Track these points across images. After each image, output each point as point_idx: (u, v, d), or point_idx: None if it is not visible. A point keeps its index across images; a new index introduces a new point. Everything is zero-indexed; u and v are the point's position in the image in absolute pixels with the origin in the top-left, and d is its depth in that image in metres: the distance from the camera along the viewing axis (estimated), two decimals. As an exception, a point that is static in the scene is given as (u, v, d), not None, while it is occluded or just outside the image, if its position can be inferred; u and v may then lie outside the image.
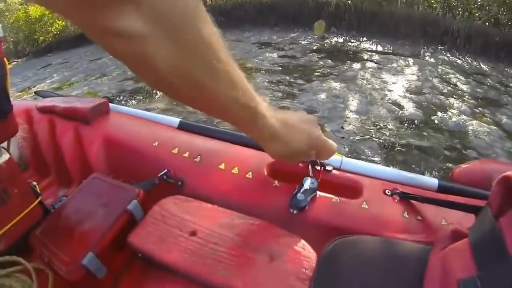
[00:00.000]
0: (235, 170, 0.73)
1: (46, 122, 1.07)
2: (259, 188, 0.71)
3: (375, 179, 0.71)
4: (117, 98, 4.26)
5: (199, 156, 0.78)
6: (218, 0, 8.93)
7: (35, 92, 1.34)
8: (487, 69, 5.41)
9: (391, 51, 5.80)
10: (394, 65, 5.05)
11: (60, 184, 1.03)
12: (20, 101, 1.32)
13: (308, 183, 0.66)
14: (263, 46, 5.86)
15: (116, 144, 0.91)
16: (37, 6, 20.93)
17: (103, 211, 0.67)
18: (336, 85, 4.08)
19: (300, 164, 0.72)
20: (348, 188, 0.69)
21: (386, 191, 0.66)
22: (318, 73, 4.49)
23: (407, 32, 6.20)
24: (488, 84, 4.82)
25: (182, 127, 0.90)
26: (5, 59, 0.64)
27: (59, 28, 19.90)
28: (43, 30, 20.59)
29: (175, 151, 0.81)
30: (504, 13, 6.63)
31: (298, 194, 0.64)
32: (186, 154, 0.79)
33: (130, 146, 0.88)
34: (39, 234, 0.64)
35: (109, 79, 5.57)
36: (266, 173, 0.72)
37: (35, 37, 21.56)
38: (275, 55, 5.22)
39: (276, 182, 0.70)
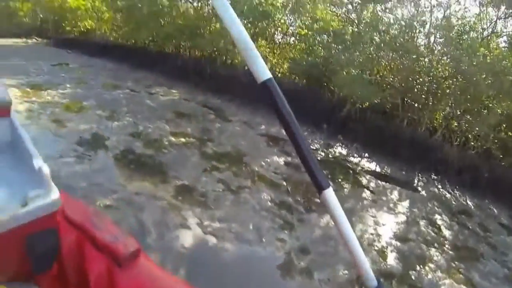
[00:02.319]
0: None
1: (74, 238, 1.12)
2: None
3: None
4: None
5: None
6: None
7: None
8: (473, 207, 5.88)
9: (388, 174, 6.29)
10: (389, 197, 5.52)
11: None
12: None
13: None
14: (271, 142, 6.23)
15: None
16: None
17: None
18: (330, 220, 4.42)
19: None
20: None
21: None
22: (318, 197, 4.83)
23: (406, 155, 6.74)
24: (470, 227, 5.26)
25: None
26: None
27: (87, 27, 20.99)
28: (72, 21, 21.69)
29: None
30: (497, 145, 7.23)
31: None
32: None
33: None
34: None
35: (119, 127, 5.83)
36: None
37: (63, 24, 22.63)
38: (281, 160, 5.50)
39: None
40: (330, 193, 0.64)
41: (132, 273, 0.94)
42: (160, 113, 6.76)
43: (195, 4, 13.73)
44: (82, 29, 20.93)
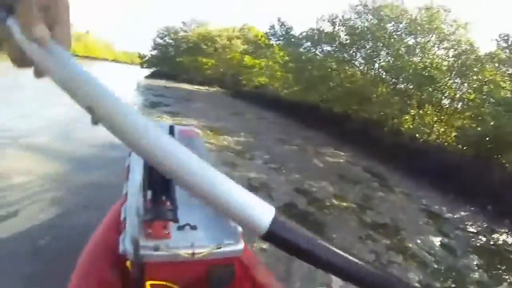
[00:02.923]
0: None
1: (243, 280, 1.35)
2: None
3: None
4: None
5: None
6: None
7: None
8: None
9: None
10: None
11: None
12: None
13: None
14: (430, 220, 5.31)
15: None
16: (251, 56, 25.22)
17: None
18: None
19: None
20: None
21: None
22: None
23: None
24: None
25: None
26: None
27: (261, 82, 23.54)
28: (248, 77, 24.72)
29: None
30: None
31: None
32: None
33: None
34: None
35: (286, 181, 5.79)
36: None
37: (240, 78, 26.02)
38: (437, 240, 4.55)
39: None
40: None
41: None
42: (325, 173, 6.75)
43: (361, 68, 14.01)
44: (257, 84, 23.61)
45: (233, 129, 10.39)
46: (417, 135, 9.63)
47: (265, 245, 3.44)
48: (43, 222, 3.07)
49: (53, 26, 0.40)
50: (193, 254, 1.14)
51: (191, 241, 1.18)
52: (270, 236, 0.39)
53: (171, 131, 1.32)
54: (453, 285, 3.40)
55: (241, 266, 1.40)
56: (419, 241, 4.25)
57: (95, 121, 0.36)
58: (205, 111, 13.87)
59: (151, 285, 1.09)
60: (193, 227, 1.34)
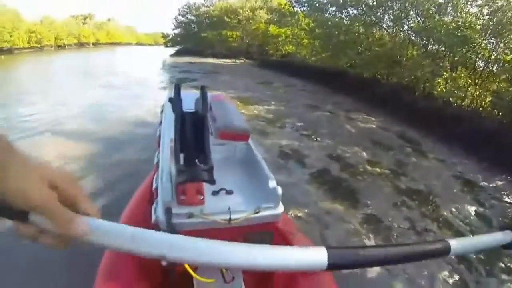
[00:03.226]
0: None
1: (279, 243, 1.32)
2: None
3: None
4: None
5: None
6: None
7: None
8: None
9: None
10: None
11: None
12: None
13: None
14: (466, 187, 5.20)
15: None
16: (276, 25, 25.45)
17: None
18: None
19: None
20: None
21: None
22: None
23: None
24: None
25: None
26: None
27: (288, 51, 23.44)
28: (274, 46, 24.70)
29: None
30: None
31: None
32: None
33: None
34: None
35: (319, 147, 5.77)
36: None
37: (266, 48, 25.96)
38: (472, 209, 4.44)
39: None
40: None
41: (313, 281, 1.14)
42: (357, 139, 6.76)
43: (390, 30, 13.54)
44: (284, 53, 23.36)
45: (263, 98, 10.48)
46: (450, 99, 9.28)
47: (300, 213, 3.57)
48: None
49: (75, 206, 0.44)
50: (230, 220, 1.07)
51: (227, 206, 1.10)
52: (331, 266, 0.55)
53: (203, 91, 1.21)
54: (488, 258, 3.35)
55: (279, 232, 1.35)
56: (454, 210, 4.20)
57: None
58: (233, 82, 13.95)
59: None
60: (229, 192, 1.27)
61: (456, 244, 0.67)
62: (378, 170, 5.19)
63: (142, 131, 5.95)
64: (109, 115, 7.37)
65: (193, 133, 1.11)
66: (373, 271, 2.65)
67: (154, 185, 1.26)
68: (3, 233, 2.08)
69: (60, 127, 6.20)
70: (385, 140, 7.01)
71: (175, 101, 1.12)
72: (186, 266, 0.94)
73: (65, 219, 0.41)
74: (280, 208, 1.18)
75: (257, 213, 1.12)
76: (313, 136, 6.70)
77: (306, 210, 3.58)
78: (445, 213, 4.05)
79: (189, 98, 1.28)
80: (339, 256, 0.57)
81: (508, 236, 0.73)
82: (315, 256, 0.56)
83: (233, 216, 1.06)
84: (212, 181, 1.05)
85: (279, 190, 1.16)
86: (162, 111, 2.14)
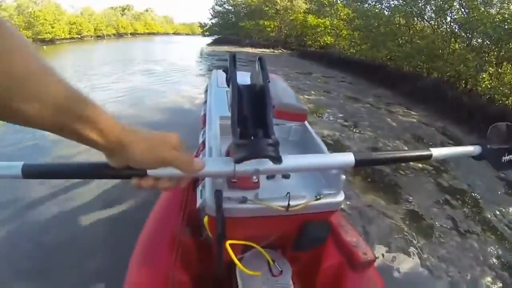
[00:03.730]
0: None
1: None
2: None
3: None
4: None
5: None
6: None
7: None
8: None
9: None
10: None
11: None
12: None
13: None
14: (511, 190, 5.52)
15: None
16: (315, 16, 25.31)
17: None
18: None
19: None
20: None
21: None
22: None
23: None
24: None
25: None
26: None
27: (326, 42, 23.42)
28: (313, 37, 24.81)
29: None
30: None
31: None
32: None
33: None
34: None
35: (360, 138, 5.13)
36: None
37: (304, 38, 25.88)
38: None
39: None
40: None
41: (361, 278, 1.17)
42: (398, 132, 6.80)
43: (431, 22, 13.15)
44: (322, 44, 23.13)
45: (303, 88, 10.62)
46: (496, 96, 8.98)
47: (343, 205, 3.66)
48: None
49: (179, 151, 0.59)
50: (288, 206, 0.93)
51: (285, 191, 0.96)
52: (357, 164, 0.74)
53: (261, 61, 0.90)
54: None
55: (334, 223, 1.24)
56: (497, 212, 4.09)
57: None
58: (272, 72, 13.91)
59: (231, 245, 0.90)
60: (286, 176, 1.12)
61: (437, 151, 0.83)
62: (420, 165, 5.15)
63: (184, 115, 6.34)
64: (149, 100, 7.71)
65: (251, 106, 0.87)
66: (418, 273, 2.75)
67: None
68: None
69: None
70: (427, 135, 6.97)
71: (231, 72, 0.91)
72: (231, 254, 0.89)
73: (189, 161, 0.59)
74: (342, 195, 1.04)
75: (318, 199, 0.99)
76: (354, 128, 6.79)
77: (349, 202, 3.69)
78: (489, 215, 3.95)
79: (241, 75, 1.03)
80: (362, 157, 0.76)
81: (477, 150, 0.93)
82: (346, 157, 0.75)
83: (292, 203, 0.93)
84: (278, 159, 0.74)
85: (342, 175, 1.01)
86: (206, 91, 2.14)
